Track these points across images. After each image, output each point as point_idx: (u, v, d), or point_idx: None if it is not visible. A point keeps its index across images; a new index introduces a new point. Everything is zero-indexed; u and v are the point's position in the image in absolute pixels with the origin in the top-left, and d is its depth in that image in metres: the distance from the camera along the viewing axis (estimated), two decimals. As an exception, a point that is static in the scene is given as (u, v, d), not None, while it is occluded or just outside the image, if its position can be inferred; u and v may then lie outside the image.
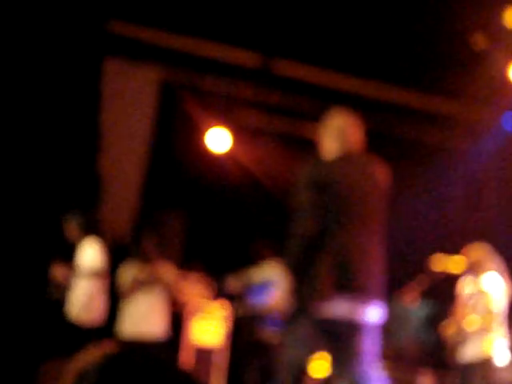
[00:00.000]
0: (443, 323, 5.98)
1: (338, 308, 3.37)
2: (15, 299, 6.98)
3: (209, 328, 7.60)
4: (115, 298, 6.85)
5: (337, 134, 4.05)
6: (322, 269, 3.39)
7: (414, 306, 6.41)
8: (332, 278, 3.36)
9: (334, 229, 3.54)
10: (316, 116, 9.31)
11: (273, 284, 5.36)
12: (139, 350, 2.54)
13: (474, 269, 5.76)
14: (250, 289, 5.31)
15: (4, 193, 7.22)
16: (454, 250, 6.16)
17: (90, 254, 6.73)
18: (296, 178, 3.95)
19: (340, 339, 3.42)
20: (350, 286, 3.42)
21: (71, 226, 6.97)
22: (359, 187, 3.78)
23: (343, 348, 3.43)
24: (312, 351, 3.54)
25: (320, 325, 3.39)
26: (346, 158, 3.93)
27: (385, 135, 9.62)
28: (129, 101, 8.85)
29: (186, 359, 7.34)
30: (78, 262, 6.71)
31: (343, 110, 4.27)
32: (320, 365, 4.77)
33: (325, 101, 9.34)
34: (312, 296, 3.38)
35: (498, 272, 5.69)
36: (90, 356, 3.07)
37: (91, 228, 7.05)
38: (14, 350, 6.71)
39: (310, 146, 9.57)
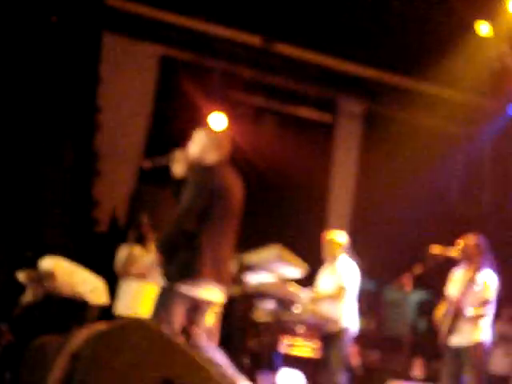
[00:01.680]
0: (436, 309, 6.01)
1: (203, 290, 4.13)
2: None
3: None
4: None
5: (217, 144, 4.49)
6: (197, 257, 4.12)
7: (409, 292, 6.41)
8: (207, 267, 4.11)
9: (214, 226, 4.27)
10: (313, 98, 9.48)
11: (268, 265, 5.34)
12: (132, 325, 2.53)
13: (468, 258, 5.79)
14: (246, 269, 5.29)
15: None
16: (452, 237, 6.17)
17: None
18: (191, 176, 4.32)
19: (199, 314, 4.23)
20: (219, 276, 4.19)
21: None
22: (234, 192, 4.49)
23: (201, 322, 4.28)
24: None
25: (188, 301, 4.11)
26: (224, 166, 4.50)
27: (385, 117, 9.63)
28: (128, 76, 8.80)
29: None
30: None
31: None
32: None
33: (324, 83, 9.36)
34: (183, 276, 4.08)
35: (491, 263, 5.74)
36: (83, 334, 3.07)
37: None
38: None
39: (304, 128, 9.72)
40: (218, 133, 4.71)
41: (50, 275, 6.59)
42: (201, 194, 4.30)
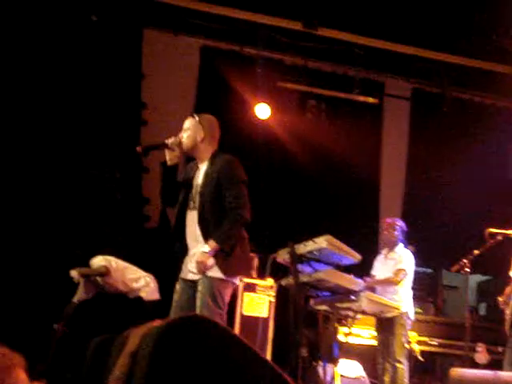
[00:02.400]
0: (499, 292, 5.86)
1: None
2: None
3: (258, 299, 7.62)
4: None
5: (213, 132, 4.66)
6: (248, 251, 4.59)
7: (468, 275, 6.25)
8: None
9: None
10: (360, 81, 9.33)
11: (321, 255, 5.26)
12: (189, 321, 2.47)
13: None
14: (299, 260, 5.22)
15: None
16: (510, 218, 6.01)
17: None
18: (230, 170, 4.47)
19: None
20: None
21: None
22: None
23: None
24: None
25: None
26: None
27: (435, 97, 9.43)
28: (170, 70, 8.79)
29: (237, 329, 7.38)
30: None
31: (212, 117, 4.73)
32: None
33: (370, 66, 9.20)
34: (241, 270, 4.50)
35: None
36: (141, 332, 3.03)
37: None
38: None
39: (352, 112, 9.58)
40: (212, 120, 4.70)
41: (103, 271, 6.62)
42: (244, 186, 4.45)
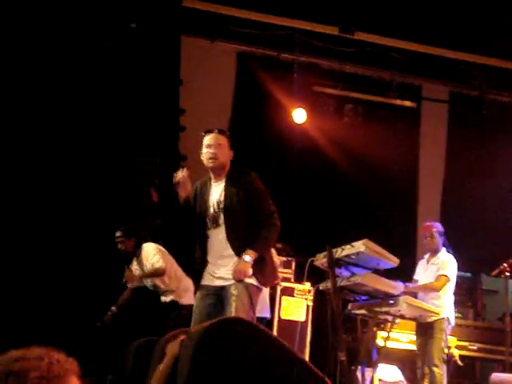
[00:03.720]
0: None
1: None
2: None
3: (295, 303, 7.64)
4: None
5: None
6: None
7: (508, 279, 6.20)
8: None
9: None
10: (396, 85, 9.30)
11: (359, 259, 5.27)
12: (228, 324, 2.51)
13: None
14: (337, 264, 5.23)
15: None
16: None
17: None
18: (254, 183, 4.51)
19: None
20: None
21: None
22: None
23: None
24: None
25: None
26: None
27: (472, 100, 9.37)
28: (207, 76, 8.87)
29: (275, 333, 7.41)
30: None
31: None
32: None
33: (406, 69, 9.17)
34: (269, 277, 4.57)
35: None
36: (181, 336, 3.08)
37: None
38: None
39: (389, 116, 9.55)
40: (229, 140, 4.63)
41: (161, 273, 6.67)
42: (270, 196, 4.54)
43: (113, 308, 7.11)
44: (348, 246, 5.16)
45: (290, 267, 7.94)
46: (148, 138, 7.90)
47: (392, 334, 6.49)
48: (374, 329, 5.95)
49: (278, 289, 7.62)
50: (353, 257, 5.19)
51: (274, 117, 9.09)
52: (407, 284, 6.03)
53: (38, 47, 7.17)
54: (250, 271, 4.32)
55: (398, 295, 5.43)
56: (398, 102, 9.48)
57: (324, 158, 9.28)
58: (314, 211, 9.03)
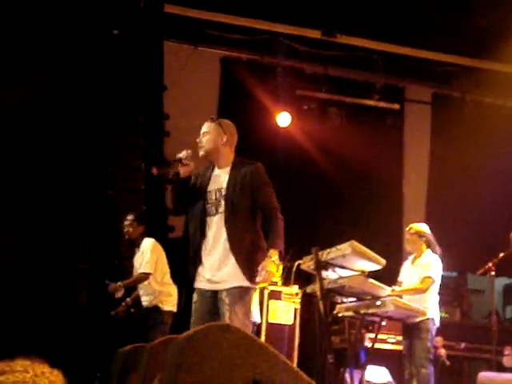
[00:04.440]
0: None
1: None
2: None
3: (283, 307, 7.65)
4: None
5: (233, 136, 4.61)
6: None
7: (494, 278, 6.25)
8: None
9: None
10: (379, 87, 9.35)
11: (346, 261, 5.29)
12: (214, 329, 2.51)
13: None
14: (323, 266, 5.25)
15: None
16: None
17: None
18: (261, 175, 4.48)
19: None
20: None
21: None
22: None
23: None
24: None
25: None
26: None
27: (455, 101, 9.43)
28: (191, 81, 8.88)
29: (263, 337, 7.41)
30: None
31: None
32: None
33: (389, 71, 9.22)
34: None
35: None
36: (167, 342, 3.09)
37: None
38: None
39: (373, 118, 9.60)
40: (231, 124, 4.64)
41: (142, 279, 6.62)
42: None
43: (127, 300, 6.97)
44: (334, 249, 5.18)
45: (276, 270, 7.94)
46: (132, 144, 7.89)
47: (380, 336, 6.52)
48: (362, 330, 5.97)
49: (266, 292, 7.62)
50: (339, 259, 5.20)
51: (259, 121, 9.11)
52: (393, 287, 6.05)
53: (21, 56, 7.14)
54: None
55: (385, 296, 5.46)
56: (382, 104, 9.54)
57: (309, 161, 9.31)
58: (299, 214, 9.05)
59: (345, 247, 5.09)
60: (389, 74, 9.32)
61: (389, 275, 6.22)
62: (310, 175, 9.38)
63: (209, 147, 4.50)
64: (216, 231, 4.38)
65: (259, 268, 4.24)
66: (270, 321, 7.61)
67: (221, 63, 9.27)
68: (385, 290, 5.53)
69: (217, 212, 4.40)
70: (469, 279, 8.74)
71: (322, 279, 5.20)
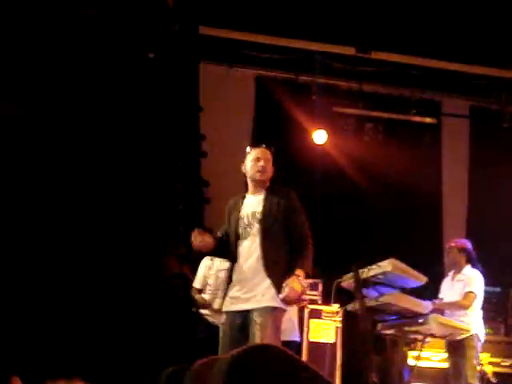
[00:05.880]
0: None
1: None
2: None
3: (324, 325, 7.60)
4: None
5: None
6: None
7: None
8: None
9: None
10: (416, 102, 9.29)
11: (386, 278, 5.24)
12: (264, 351, 2.51)
13: None
14: (364, 284, 5.20)
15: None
16: None
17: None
18: (295, 201, 4.55)
19: None
20: None
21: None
22: None
23: None
24: None
25: None
26: None
27: (493, 113, 9.33)
28: (227, 102, 8.94)
29: (305, 356, 7.37)
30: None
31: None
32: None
33: (425, 85, 9.16)
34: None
35: None
36: (211, 363, 3.08)
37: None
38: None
39: (410, 133, 9.53)
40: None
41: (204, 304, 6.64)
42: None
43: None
44: (374, 266, 5.14)
45: (316, 289, 7.90)
46: (169, 164, 7.95)
47: (423, 353, 6.43)
48: (405, 348, 5.89)
49: (306, 311, 7.58)
50: (380, 276, 5.15)
51: (295, 139, 9.12)
52: (434, 300, 5.97)
53: (59, 75, 7.26)
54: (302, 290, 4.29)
55: (427, 314, 5.39)
56: (418, 118, 9.47)
57: (346, 177, 9.28)
58: (338, 232, 9.00)
59: (385, 264, 5.05)
60: (425, 88, 9.26)
61: (429, 292, 6.14)
62: (348, 192, 9.33)
63: (270, 176, 4.64)
64: (248, 253, 4.45)
65: (283, 284, 4.24)
66: (310, 339, 7.57)
67: (255, 82, 9.31)
68: (427, 307, 5.45)
69: (251, 235, 4.47)
70: (512, 294, 8.59)
71: (362, 297, 5.16)
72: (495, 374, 7.04)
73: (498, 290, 8.50)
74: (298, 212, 4.51)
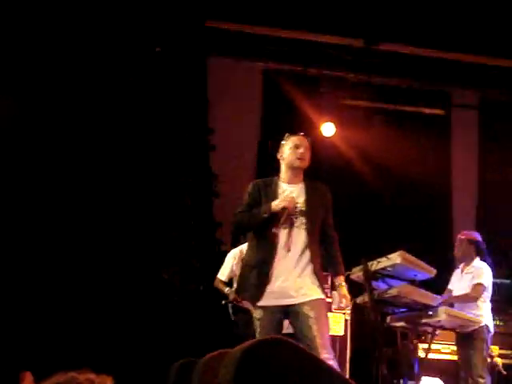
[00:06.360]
0: None
1: None
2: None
3: (333, 318, 7.59)
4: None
5: None
6: None
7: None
8: None
9: None
10: (424, 94, 9.25)
11: (395, 271, 5.24)
12: (275, 345, 2.51)
13: None
14: (373, 277, 5.20)
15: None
16: None
17: None
18: (331, 200, 4.57)
19: None
20: None
21: None
22: None
23: None
24: None
25: None
26: None
27: (503, 105, 9.28)
28: (234, 95, 8.93)
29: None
30: None
31: None
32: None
33: (433, 77, 9.12)
34: None
35: None
36: (221, 357, 3.09)
37: None
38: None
39: (418, 125, 9.49)
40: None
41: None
42: None
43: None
44: (384, 259, 5.13)
45: (326, 282, 7.89)
46: (179, 158, 7.96)
47: (433, 346, 6.42)
48: (415, 341, 5.89)
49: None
50: (389, 269, 5.16)
51: (303, 131, 9.08)
52: (443, 296, 5.96)
53: (67, 72, 7.28)
54: None
55: (437, 306, 5.38)
56: (428, 110, 9.43)
57: (354, 170, 9.25)
58: (347, 224, 8.97)
59: (394, 257, 5.04)
60: (434, 79, 9.21)
61: (438, 284, 6.13)
62: (356, 184, 9.30)
63: (308, 164, 4.58)
64: (292, 244, 4.29)
65: (338, 296, 4.37)
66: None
67: (263, 75, 9.28)
68: (436, 299, 5.44)
69: (292, 226, 4.31)
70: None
71: (371, 289, 5.16)
72: (505, 365, 7.02)
73: (508, 282, 8.48)
74: (332, 209, 4.55)
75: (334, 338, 7.52)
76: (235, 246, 7.09)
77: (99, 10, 7.44)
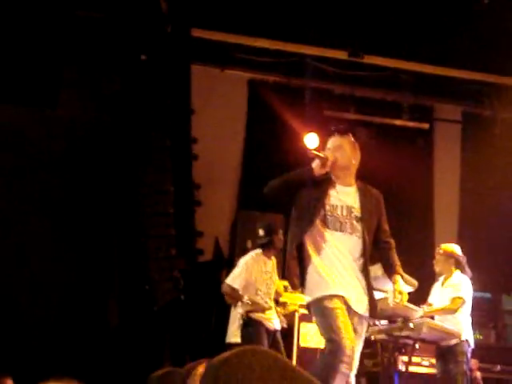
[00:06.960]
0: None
1: None
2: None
3: (315, 329, 7.56)
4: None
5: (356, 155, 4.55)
6: None
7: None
8: None
9: None
10: (408, 107, 9.29)
11: (376, 283, 5.22)
12: (255, 354, 2.48)
13: None
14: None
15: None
16: None
17: None
18: (384, 206, 4.40)
19: None
20: None
21: None
22: None
23: None
24: None
25: None
26: None
27: (486, 119, 9.33)
28: (219, 104, 8.92)
29: (295, 361, 7.31)
30: None
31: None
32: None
33: (417, 90, 9.16)
34: None
35: None
36: (202, 366, 3.06)
37: None
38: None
39: (402, 138, 9.51)
40: (353, 142, 4.48)
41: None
42: None
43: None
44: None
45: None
46: (161, 167, 7.92)
47: (414, 359, 6.41)
48: (395, 353, 5.88)
49: (297, 315, 7.52)
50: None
51: (287, 142, 9.09)
52: (423, 306, 5.95)
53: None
54: None
55: (418, 319, 5.37)
56: (411, 123, 9.47)
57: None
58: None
59: (375, 269, 5.02)
60: (417, 93, 9.27)
61: (419, 297, 6.12)
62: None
63: (343, 162, 4.34)
64: (348, 250, 4.18)
65: (393, 292, 4.28)
66: (301, 345, 7.51)
67: (248, 86, 9.29)
68: (417, 312, 5.44)
69: (345, 230, 4.18)
70: (503, 300, 8.59)
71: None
72: (485, 379, 7.02)
73: (488, 295, 8.50)
74: (385, 220, 4.40)
75: (315, 350, 7.49)
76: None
77: (86, 17, 7.42)
